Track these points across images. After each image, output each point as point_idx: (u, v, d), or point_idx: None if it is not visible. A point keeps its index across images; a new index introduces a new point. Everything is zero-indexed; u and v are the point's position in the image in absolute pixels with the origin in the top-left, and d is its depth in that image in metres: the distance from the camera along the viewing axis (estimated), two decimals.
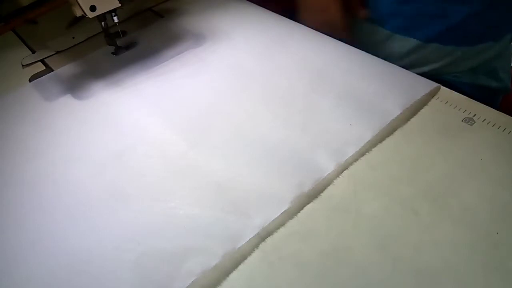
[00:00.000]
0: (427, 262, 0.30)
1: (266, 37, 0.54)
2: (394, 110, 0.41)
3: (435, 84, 0.43)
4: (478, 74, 0.58)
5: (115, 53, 0.54)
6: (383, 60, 0.48)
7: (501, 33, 0.56)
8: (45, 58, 0.55)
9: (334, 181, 0.36)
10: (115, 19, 0.48)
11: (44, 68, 0.54)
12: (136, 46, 0.55)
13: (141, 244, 0.32)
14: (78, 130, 0.44)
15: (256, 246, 0.32)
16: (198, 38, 0.55)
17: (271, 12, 0.59)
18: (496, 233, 0.31)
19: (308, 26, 0.55)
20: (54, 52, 0.56)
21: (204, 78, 0.48)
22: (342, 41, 0.52)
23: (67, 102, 0.48)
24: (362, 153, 0.38)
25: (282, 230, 0.33)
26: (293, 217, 0.33)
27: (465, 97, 0.42)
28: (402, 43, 0.55)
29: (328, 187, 0.35)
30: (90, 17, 0.44)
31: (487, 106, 0.40)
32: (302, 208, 0.34)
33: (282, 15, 0.58)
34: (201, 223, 0.33)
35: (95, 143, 0.42)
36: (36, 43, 0.58)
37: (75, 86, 0.50)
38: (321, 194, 0.35)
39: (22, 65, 0.54)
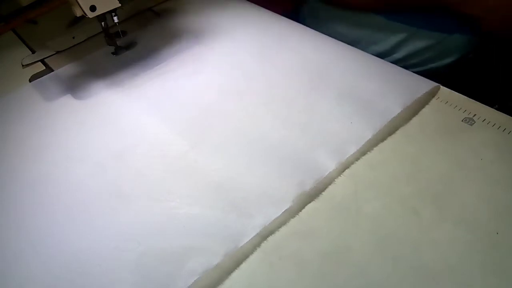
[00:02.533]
0: (427, 262, 0.30)
1: (266, 37, 0.54)
2: (394, 109, 0.41)
3: (434, 84, 0.43)
4: None
5: (115, 53, 0.54)
6: (382, 60, 0.48)
7: None
8: (45, 58, 0.55)
9: (335, 180, 0.36)
10: (115, 19, 0.48)
11: (44, 68, 0.54)
12: (136, 46, 0.55)
13: (142, 244, 0.32)
14: (78, 130, 0.44)
15: (257, 245, 0.32)
16: (198, 38, 0.55)
17: (271, 12, 0.59)
18: (496, 233, 0.31)
19: None
20: (54, 52, 0.56)
21: (204, 78, 0.48)
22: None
23: (67, 102, 0.48)
24: (362, 152, 0.38)
25: (283, 229, 0.33)
26: (294, 216, 0.33)
27: (465, 97, 0.42)
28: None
29: (329, 186, 0.35)
30: (90, 17, 0.44)
31: (487, 106, 0.40)
32: (303, 207, 0.34)
33: (282, 15, 0.58)
34: (202, 223, 0.33)
35: (95, 143, 0.42)
36: (36, 43, 0.58)
37: (75, 86, 0.50)
38: (323, 193, 0.35)
39: (22, 65, 0.54)
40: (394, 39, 0.58)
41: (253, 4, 0.61)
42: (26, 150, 0.42)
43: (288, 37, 0.53)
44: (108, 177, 0.38)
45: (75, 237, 0.34)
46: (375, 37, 0.59)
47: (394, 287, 0.29)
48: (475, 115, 0.40)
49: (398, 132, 0.39)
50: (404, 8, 0.55)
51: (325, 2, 0.62)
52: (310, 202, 0.34)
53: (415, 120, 0.40)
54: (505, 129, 0.38)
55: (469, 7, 0.49)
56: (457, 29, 0.55)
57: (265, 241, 0.32)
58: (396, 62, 0.56)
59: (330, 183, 0.35)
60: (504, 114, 0.39)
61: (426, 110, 0.41)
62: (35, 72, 0.53)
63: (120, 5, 0.45)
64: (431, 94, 0.43)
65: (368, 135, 0.39)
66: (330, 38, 0.52)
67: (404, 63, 0.59)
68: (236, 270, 0.30)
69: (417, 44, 0.57)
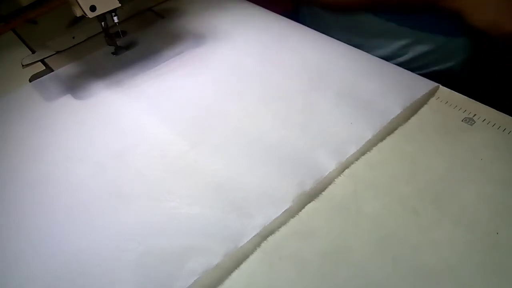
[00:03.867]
0: (427, 262, 0.30)
1: (266, 37, 0.54)
2: (394, 109, 0.41)
3: (434, 84, 0.43)
4: None
5: (115, 53, 0.54)
6: (381, 60, 0.48)
7: None
8: (45, 58, 0.55)
9: (335, 180, 0.36)
10: (115, 19, 0.48)
11: (44, 68, 0.54)
12: (136, 46, 0.55)
13: (142, 244, 0.32)
14: (78, 130, 0.44)
15: (257, 245, 0.32)
16: (198, 38, 0.55)
17: (271, 12, 0.59)
18: (496, 233, 0.31)
19: None
20: (54, 52, 0.56)
21: (204, 78, 0.48)
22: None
23: (67, 102, 0.48)
24: (362, 152, 0.38)
25: (283, 229, 0.33)
26: (294, 216, 0.33)
27: (465, 97, 0.42)
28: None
29: (329, 186, 0.35)
30: (90, 17, 0.44)
31: (487, 106, 0.40)
32: (303, 207, 0.34)
33: (282, 15, 0.58)
34: (202, 223, 0.33)
35: (95, 143, 0.42)
36: (36, 43, 0.58)
37: (75, 86, 0.50)
38: (323, 193, 0.35)
39: (22, 65, 0.54)
40: (397, 44, 0.58)
41: (253, 4, 0.61)
42: (26, 150, 0.42)
43: (288, 37, 0.53)
44: (108, 177, 0.38)
45: (75, 237, 0.34)
46: (378, 42, 0.59)
47: (394, 287, 0.29)
48: (475, 115, 0.40)
49: (397, 132, 0.39)
50: (392, 7, 0.55)
51: (319, 7, 0.63)
52: (310, 202, 0.34)
53: (415, 120, 0.40)
54: (505, 129, 0.38)
55: (456, 2, 0.49)
56: (459, 32, 0.55)
57: (265, 241, 0.32)
58: (399, 65, 0.56)
59: (330, 183, 0.35)
60: (504, 114, 0.39)
61: (425, 110, 0.41)
62: (35, 72, 0.53)
63: (120, 5, 0.45)
64: (431, 94, 0.43)
65: (368, 135, 0.39)
66: (330, 38, 0.53)
67: (407, 66, 0.59)
68: (236, 270, 0.30)
69: (420, 48, 0.57)
